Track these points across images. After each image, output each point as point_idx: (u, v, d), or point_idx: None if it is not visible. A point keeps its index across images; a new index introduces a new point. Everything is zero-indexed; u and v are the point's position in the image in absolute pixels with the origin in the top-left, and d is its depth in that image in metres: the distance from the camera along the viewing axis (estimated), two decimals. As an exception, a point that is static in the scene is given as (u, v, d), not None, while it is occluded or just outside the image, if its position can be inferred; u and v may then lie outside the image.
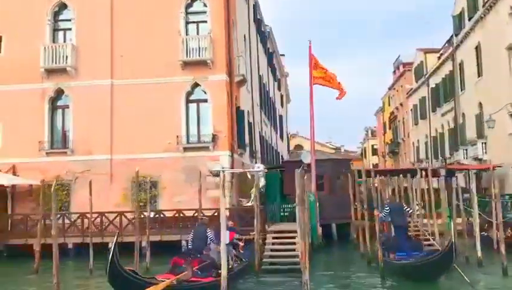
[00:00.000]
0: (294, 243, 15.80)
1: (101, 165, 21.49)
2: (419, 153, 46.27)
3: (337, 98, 20.22)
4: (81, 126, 21.90)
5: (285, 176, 22.56)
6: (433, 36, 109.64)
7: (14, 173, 21.65)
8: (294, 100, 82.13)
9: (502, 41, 25.24)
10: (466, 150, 31.62)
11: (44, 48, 21.98)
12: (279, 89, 47.30)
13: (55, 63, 22.01)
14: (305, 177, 20.66)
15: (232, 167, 21.78)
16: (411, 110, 48.98)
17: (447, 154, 36.55)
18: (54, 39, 22.77)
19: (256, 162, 27.10)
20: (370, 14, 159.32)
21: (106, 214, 19.99)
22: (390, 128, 60.01)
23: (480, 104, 29.18)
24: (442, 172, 21.45)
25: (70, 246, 19.74)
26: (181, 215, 20.21)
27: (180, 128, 21.65)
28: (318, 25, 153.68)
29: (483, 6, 28.02)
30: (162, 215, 20.37)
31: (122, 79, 21.94)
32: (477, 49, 29.26)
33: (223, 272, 10.63)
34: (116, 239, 9.54)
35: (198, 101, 22.12)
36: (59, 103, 22.60)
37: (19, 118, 21.93)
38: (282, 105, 50.20)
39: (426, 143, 43.76)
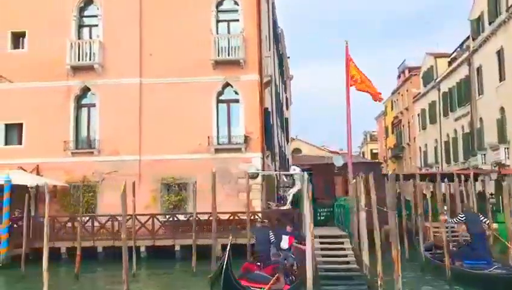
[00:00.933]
0: (344, 249, 15.32)
1: (129, 166, 20.81)
2: (427, 157, 46.13)
3: (375, 100, 19.82)
4: (108, 126, 21.21)
5: (315, 180, 22.06)
6: (433, 36, 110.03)
7: (38, 173, 20.89)
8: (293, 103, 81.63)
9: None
10: (484, 155, 31.45)
11: (71, 44, 21.29)
12: (285, 91, 46.94)
13: (82, 60, 21.33)
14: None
15: (263, 170, 21.28)
16: (418, 114, 48.84)
17: (461, 159, 36.40)
18: (80, 35, 22.07)
19: (275, 165, 26.65)
20: (370, 14, 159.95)
21: (138, 217, 19.29)
22: (393, 132, 59.90)
23: (503, 109, 29.00)
24: (494, 176, 21.09)
25: (100, 249, 19.07)
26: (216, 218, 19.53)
27: (210, 129, 21.08)
28: (318, 25, 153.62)
29: (507, 10, 27.89)
30: (197, 218, 19.67)
31: (151, 78, 21.34)
32: (500, 53, 29.10)
33: (309, 277, 10.09)
34: (230, 245, 9.00)
35: (229, 102, 21.56)
36: (85, 102, 21.90)
37: (43, 117, 21.23)
38: (287, 108, 49.84)
39: (436, 148, 43.61)
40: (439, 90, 41.93)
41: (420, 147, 48.75)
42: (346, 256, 14.76)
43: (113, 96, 21.24)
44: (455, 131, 38.34)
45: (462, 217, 12.75)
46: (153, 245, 19.17)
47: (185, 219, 19.60)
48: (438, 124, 42.21)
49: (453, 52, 41.66)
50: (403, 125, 55.44)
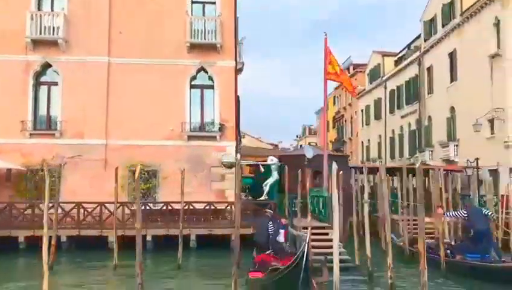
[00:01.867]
0: (330, 240, 15.26)
1: (95, 150, 19.53)
2: (370, 152, 47.64)
3: (353, 95, 19.96)
4: (72, 106, 19.71)
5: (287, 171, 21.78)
6: (377, 35, 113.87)
7: (-10, 155, 19.01)
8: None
9: (483, 49, 26.37)
10: (431, 151, 32.92)
11: (31, 15, 19.47)
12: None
13: (43, 33, 19.59)
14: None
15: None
16: (362, 110, 50.28)
17: (407, 155, 37.88)
18: (41, 7, 20.24)
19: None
20: (303, 12, 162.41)
21: (107, 205, 18.14)
22: (334, 127, 61.30)
23: (453, 108, 30.42)
24: (469, 171, 21.90)
25: (63, 239, 17.69)
26: (190, 207, 18.78)
27: (183, 115, 20.23)
28: (256, 20, 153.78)
29: (461, 14, 29.20)
30: (170, 207, 18.78)
31: (120, 57, 20.09)
32: (452, 55, 30.43)
33: (336, 270, 9.83)
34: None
35: (202, 87, 20.78)
36: (45, 79, 20.17)
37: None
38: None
39: (379, 143, 45.11)
40: (385, 87, 43.28)
41: (363, 142, 50.24)
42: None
43: (78, 75, 19.75)
44: (401, 128, 39.80)
45: (465, 214, 13.00)
46: (123, 235, 18.05)
47: (156, 208, 18.64)
48: (383, 120, 43.63)
49: (400, 52, 43.22)
50: (345, 120, 56.89)
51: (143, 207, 18.84)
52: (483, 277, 11.75)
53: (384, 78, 43.75)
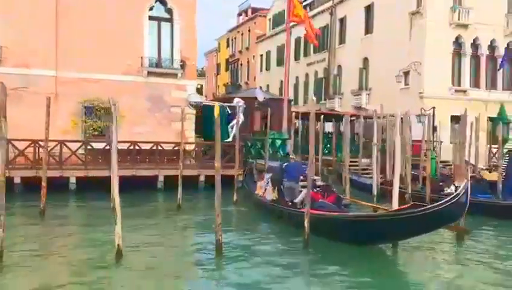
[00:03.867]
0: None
1: (43, 82, 17.38)
2: (269, 97, 49.01)
3: (311, 42, 20.45)
4: (13, 30, 17.05)
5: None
6: None
7: None
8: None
9: (402, 6, 28.49)
10: (340, 98, 35.26)
11: None
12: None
13: None
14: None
15: (193, 98, 20.13)
16: (261, 55, 51.06)
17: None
18: None
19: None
20: None
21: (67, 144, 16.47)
22: (227, 70, 61.41)
23: (366, 59, 32.64)
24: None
25: (17, 180, 15.76)
26: (136, 147, 17.85)
27: (142, 49, 18.82)
28: None
29: (382, -32, 30.93)
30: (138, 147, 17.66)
31: (71, -25, 17.69)
32: (370, 8, 32.28)
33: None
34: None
35: (160, 20, 19.38)
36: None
37: None
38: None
39: (280, 89, 46.55)
40: (290, 34, 44.27)
41: (261, 87, 51.30)
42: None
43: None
44: (306, 75, 41.55)
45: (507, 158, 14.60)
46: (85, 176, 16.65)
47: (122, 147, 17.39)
48: (286, 66, 44.88)
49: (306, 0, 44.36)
50: (241, 64, 57.25)
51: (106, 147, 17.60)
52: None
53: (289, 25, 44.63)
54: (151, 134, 18.39)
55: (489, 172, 19.78)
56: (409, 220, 8.16)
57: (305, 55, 41.71)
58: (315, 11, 40.48)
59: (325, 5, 38.59)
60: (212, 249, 9.06)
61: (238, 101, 19.06)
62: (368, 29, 32.56)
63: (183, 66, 19.19)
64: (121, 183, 15.97)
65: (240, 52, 57.12)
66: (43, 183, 13.08)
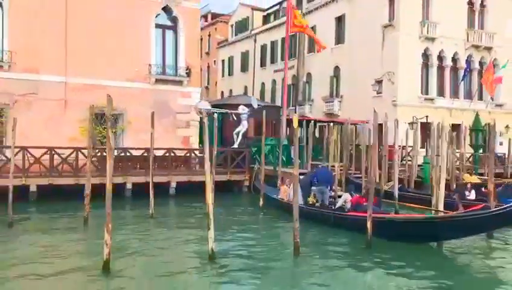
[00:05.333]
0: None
1: (52, 88, 17.17)
2: (231, 102, 49.65)
3: (318, 51, 21.40)
4: (23, 34, 16.77)
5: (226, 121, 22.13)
6: None
7: None
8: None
9: (374, 18, 30.21)
10: (311, 105, 36.59)
11: None
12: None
13: None
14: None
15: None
16: (223, 60, 51.62)
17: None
18: None
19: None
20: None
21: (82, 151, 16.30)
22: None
23: (337, 68, 34.15)
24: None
25: (33, 188, 15.46)
26: (171, 154, 18.13)
27: (149, 56, 18.99)
28: None
29: (353, -17, 32.59)
30: (128, 154, 17.81)
31: (80, -19, 17.57)
32: (341, 19, 33.84)
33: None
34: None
35: (164, 27, 19.61)
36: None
37: None
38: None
39: (245, 94, 47.33)
40: (255, 41, 45.27)
41: (223, 92, 51.83)
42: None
43: (29, -4, 16.72)
44: (274, 81, 42.58)
45: None
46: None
47: (136, 154, 17.50)
48: (252, 72, 45.80)
49: (271, 8, 45.54)
50: (201, 69, 57.36)
51: (122, 154, 17.58)
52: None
53: (254, 32, 45.61)
54: (157, 140, 18.50)
55: (470, 175, 21.58)
56: (483, 219, 9.23)
57: (272, 62, 42.74)
58: (282, 19, 41.62)
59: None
60: (289, 251, 9.68)
61: (243, 109, 19.60)
62: (339, 39, 34.07)
63: (188, 74, 19.49)
64: (135, 189, 16.30)
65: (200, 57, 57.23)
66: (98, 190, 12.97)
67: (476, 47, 31.29)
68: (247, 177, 18.73)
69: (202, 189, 17.26)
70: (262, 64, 44.21)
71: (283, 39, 40.74)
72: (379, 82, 30.00)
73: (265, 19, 45.81)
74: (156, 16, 19.19)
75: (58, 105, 17.17)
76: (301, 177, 14.62)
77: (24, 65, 16.67)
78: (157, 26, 19.32)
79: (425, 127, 25.66)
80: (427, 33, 29.45)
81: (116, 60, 18.08)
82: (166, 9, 19.32)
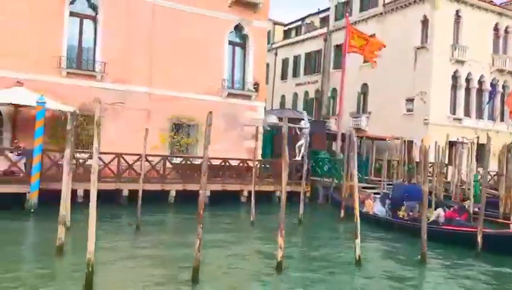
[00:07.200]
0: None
1: (138, 98, 18.02)
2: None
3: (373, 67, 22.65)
4: (114, 47, 17.58)
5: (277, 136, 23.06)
6: None
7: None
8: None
9: (406, 40, 31.67)
10: (336, 119, 37.82)
11: None
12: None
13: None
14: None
15: (259, 119, 21.47)
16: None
17: (302, 120, 42.17)
18: None
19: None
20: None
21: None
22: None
23: (366, 85, 35.49)
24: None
25: (125, 192, 16.29)
26: (227, 164, 19.10)
27: (222, 71, 19.95)
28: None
29: (384, 5, 34.06)
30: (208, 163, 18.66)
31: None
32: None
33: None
34: None
35: (235, 44, 20.65)
36: (80, 10, 17.31)
37: (28, 20, 15.95)
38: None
39: (265, 108, 48.33)
40: (276, 54, 46.52)
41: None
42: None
43: (121, 11, 17.63)
44: (295, 94, 43.80)
45: None
46: (183, 189, 17.45)
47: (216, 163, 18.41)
48: (271, 85, 46.96)
49: (292, 23, 46.96)
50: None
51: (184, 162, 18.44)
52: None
53: (275, 46, 46.86)
54: (226, 151, 19.48)
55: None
56: None
57: (294, 76, 43.99)
58: (307, 35, 42.99)
59: (319, 30, 41.20)
60: (351, 261, 10.38)
61: (305, 123, 20.69)
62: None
63: (256, 89, 20.52)
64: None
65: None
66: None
67: (500, 71, 32.96)
68: (308, 189, 19.74)
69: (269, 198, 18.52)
70: (283, 77, 45.39)
71: (307, 54, 42.43)
72: (410, 100, 31.42)
73: (286, 34, 47.14)
74: (229, 34, 20.22)
75: (142, 114, 18.01)
76: (380, 193, 15.80)
77: (115, 76, 17.52)
78: (230, 43, 20.34)
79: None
80: (458, 56, 31.00)
81: (194, 73, 19.01)
82: (238, 28, 20.34)
